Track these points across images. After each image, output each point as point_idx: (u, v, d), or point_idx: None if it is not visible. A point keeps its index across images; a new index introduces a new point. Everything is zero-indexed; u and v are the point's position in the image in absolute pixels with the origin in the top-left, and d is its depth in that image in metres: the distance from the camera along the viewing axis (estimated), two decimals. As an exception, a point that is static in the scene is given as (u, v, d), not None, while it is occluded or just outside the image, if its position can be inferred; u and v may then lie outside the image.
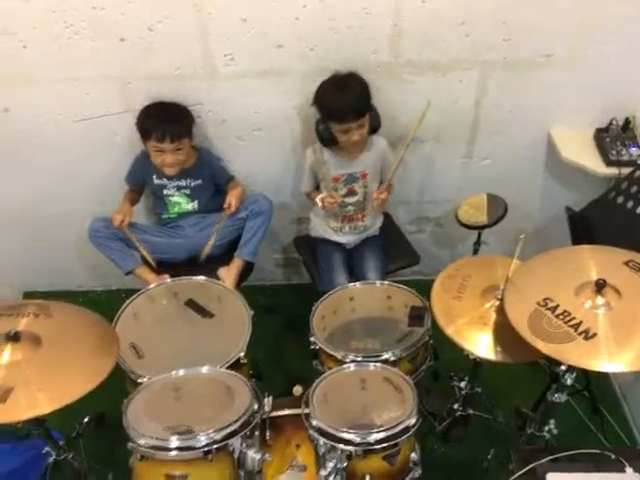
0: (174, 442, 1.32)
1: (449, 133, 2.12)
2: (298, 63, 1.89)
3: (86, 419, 2.07)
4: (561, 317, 1.33)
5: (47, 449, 1.73)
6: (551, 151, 2.13)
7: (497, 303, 1.54)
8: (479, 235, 2.09)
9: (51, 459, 1.75)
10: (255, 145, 2.12)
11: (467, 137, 2.14)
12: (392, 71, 1.93)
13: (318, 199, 2.06)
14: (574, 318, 1.33)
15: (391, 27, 1.82)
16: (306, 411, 1.49)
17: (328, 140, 1.95)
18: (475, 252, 2.15)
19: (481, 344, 1.51)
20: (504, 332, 1.48)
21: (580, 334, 1.30)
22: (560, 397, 1.56)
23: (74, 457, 1.79)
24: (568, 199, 2.15)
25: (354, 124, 1.87)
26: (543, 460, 1.39)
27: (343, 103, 1.84)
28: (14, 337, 1.41)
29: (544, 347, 1.30)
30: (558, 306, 1.36)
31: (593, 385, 2.11)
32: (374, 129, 1.96)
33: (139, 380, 1.61)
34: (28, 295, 2.66)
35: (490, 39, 1.85)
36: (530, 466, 1.38)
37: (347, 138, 1.91)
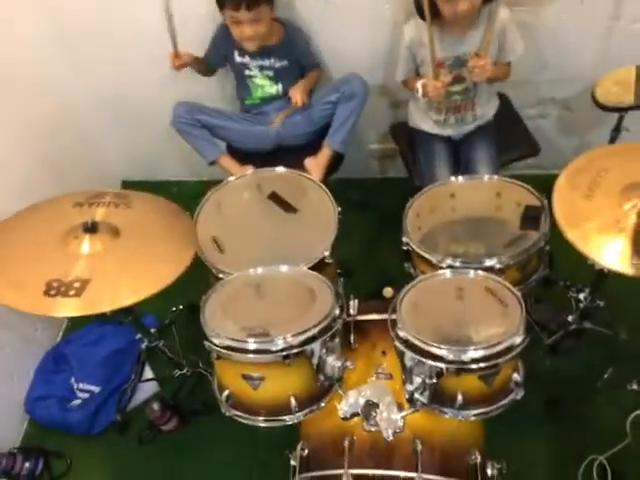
0: (250, 344, 1.25)
1: (590, -14, 1.67)
2: None
3: (180, 307, 2.12)
4: None
5: (139, 336, 1.78)
6: None
7: (641, 204, 1.23)
8: (620, 120, 1.72)
9: (143, 345, 1.80)
10: (347, 12, 1.83)
11: (616, -10, 1.68)
12: None
13: (419, 84, 1.73)
14: None
15: None
16: (393, 317, 1.34)
17: (425, 9, 1.57)
18: (612, 141, 1.79)
19: (612, 253, 1.24)
20: (646, 241, 1.20)
21: None
22: None
23: (165, 344, 1.83)
24: None
25: None
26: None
27: None
28: (92, 227, 1.38)
29: None
30: None
31: None
32: None
33: (220, 275, 1.54)
34: (126, 184, 2.70)
35: None
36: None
37: (451, 8, 1.55)
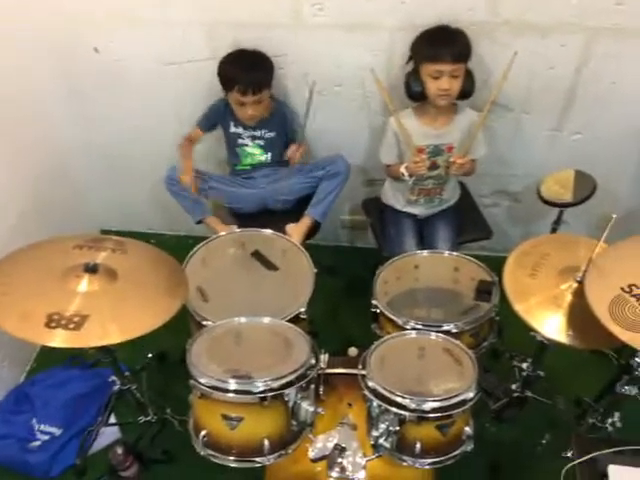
0: (232, 385, 1.35)
1: (540, 102, 1.99)
2: (388, 17, 1.82)
3: (150, 355, 2.18)
4: (646, 306, 1.25)
5: (113, 378, 1.83)
6: (652, 130, 1.97)
7: (575, 285, 1.46)
8: (560, 214, 1.98)
9: (116, 388, 1.85)
10: (334, 102, 2.08)
11: (559, 108, 2.00)
12: (487, 31, 1.82)
13: (403, 169, 1.95)
14: (661, 308, 1.24)
15: (492, -17, 1.71)
16: (362, 372, 1.48)
17: (416, 93, 1.86)
18: (553, 231, 2.05)
19: (551, 326, 1.44)
20: (579, 316, 1.42)
21: (666, 326, 1.21)
22: (630, 390, 1.49)
23: (136, 388, 1.89)
24: (664, 185, 2.00)
25: (448, 66, 1.77)
26: (606, 451, 1.32)
27: (442, 41, 1.78)
28: (93, 268, 1.48)
29: (623, 334, 1.23)
30: (645, 294, 1.27)
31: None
32: (466, 93, 1.87)
33: (203, 322, 1.65)
34: (104, 232, 2.77)
35: (601, 2, 1.70)
36: (591, 455, 1.32)
37: (436, 86, 1.81)
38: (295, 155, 2.02)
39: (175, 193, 2.09)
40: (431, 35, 1.82)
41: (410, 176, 1.97)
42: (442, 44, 1.78)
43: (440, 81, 1.81)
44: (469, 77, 1.85)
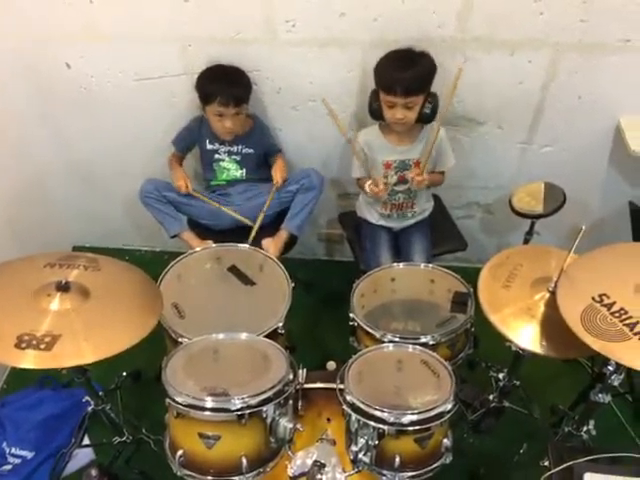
0: (209, 403, 1.34)
1: (509, 116, 2.03)
2: (360, 33, 1.85)
3: (124, 374, 2.14)
4: (617, 315, 1.28)
5: (86, 398, 1.79)
6: (618, 142, 2.02)
7: (548, 296, 1.48)
8: (532, 225, 2.02)
9: (90, 408, 1.81)
10: (309, 117, 2.09)
11: (529, 122, 2.05)
12: (456, 47, 1.86)
13: (367, 186, 1.98)
14: (631, 317, 1.27)
15: (462, 1, 1.74)
16: (340, 386, 1.48)
17: (374, 112, 1.89)
18: (526, 242, 2.08)
19: (526, 335, 1.46)
20: (552, 326, 1.44)
21: (636, 334, 1.24)
22: (604, 398, 1.50)
23: (111, 408, 1.85)
24: (631, 194, 2.05)
25: (400, 100, 1.79)
26: (582, 460, 1.34)
27: (396, 73, 1.77)
28: (64, 287, 1.45)
29: (595, 343, 1.25)
30: (615, 303, 1.30)
31: (637, 389, 2.03)
32: (427, 118, 1.88)
33: (179, 339, 1.63)
34: (77, 249, 2.74)
35: (566, 19, 1.75)
36: (568, 464, 1.34)
37: (391, 114, 1.84)
38: (277, 176, 2.06)
39: (151, 207, 2.06)
40: (390, 62, 1.81)
41: (369, 196, 2.00)
42: (397, 74, 1.77)
43: (394, 110, 1.83)
44: (433, 100, 1.85)
